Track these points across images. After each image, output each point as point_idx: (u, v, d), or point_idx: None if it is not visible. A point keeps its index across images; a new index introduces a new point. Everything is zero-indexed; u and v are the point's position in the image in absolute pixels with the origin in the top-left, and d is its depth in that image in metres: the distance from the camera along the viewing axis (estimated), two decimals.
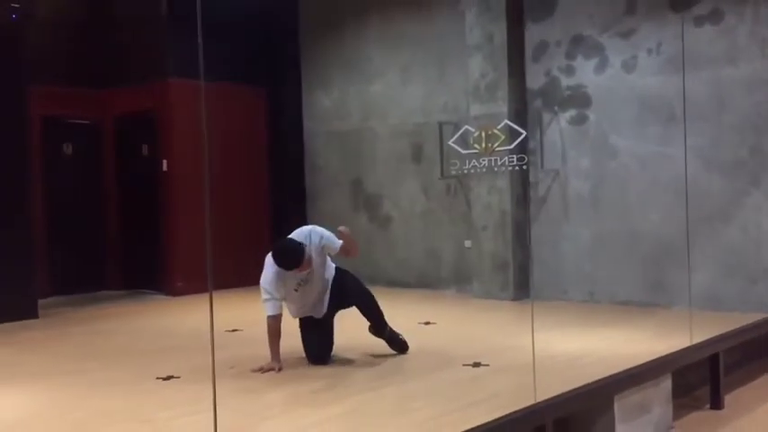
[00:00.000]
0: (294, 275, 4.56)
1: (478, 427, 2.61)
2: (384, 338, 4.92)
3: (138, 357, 5.20)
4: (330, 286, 4.81)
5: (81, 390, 4.30)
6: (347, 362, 4.81)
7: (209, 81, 9.38)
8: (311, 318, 4.81)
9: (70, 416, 3.79)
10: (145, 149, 8.74)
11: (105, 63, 8.79)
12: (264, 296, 4.56)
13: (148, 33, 8.66)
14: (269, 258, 4.60)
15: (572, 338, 5.30)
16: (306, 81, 9.48)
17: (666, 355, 3.52)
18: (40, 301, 7.43)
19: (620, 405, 3.11)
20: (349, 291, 4.84)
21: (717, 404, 3.76)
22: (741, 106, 6.31)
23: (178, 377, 4.48)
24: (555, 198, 7.45)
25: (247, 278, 8.79)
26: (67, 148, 8.87)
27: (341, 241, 4.69)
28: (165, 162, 8.40)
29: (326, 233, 4.73)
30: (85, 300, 8.25)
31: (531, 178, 7.56)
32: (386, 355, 4.88)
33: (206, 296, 8.25)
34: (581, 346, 4.87)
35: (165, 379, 4.45)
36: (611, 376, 3.20)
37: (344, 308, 4.90)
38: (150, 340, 5.87)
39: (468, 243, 8.01)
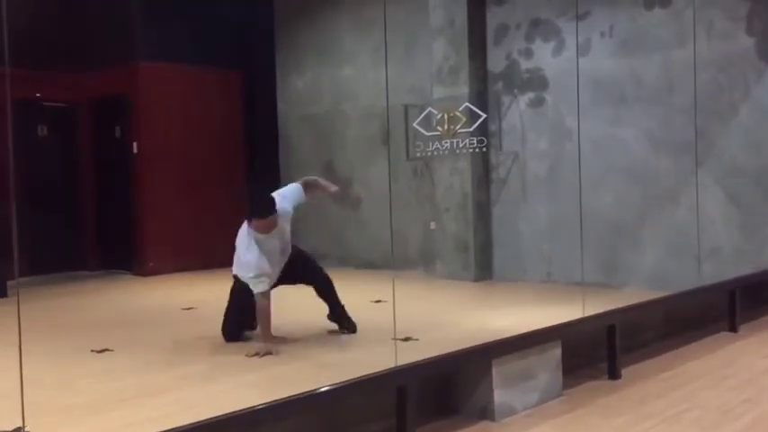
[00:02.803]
0: (266, 237, 4.48)
1: (337, 384, 2.73)
2: (338, 320, 4.93)
3: (82, 331, 5.37)
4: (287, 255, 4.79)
5: (15, 360, 4.45)
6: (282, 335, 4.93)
7: (186, 64, 9.49)
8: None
9: None
10: (117, 132, 8.89)
11: (80, 46, 8.92)
12: (254, 272, 4.44)
13: (121, 16, 8.79)
14: (243, 230, 4.54)
15: (510, 316, 5.41)
16: (280, 65, 9.59)
17: (554, 325, 3.62)
18: (15, 281, 7.61)
19: (499, 371, 3.20)
20: (308, 268, 4.90)
21: (613, 374, 3.85)
22: (689, 88, 6.36)
23: (112, 350, 4.63)
24: (515, 180, 7.54)
25: (220, 260, 9.01)
26: (42, 131, 9.02)
27: (299, 186, 4.79)
28: (135, 144, 8.55)
29: (284, 191, 4.76)
30: (59, 279, 8.43)
31: (492, 160, 7.66)
32: (322, 331, 4.98)
33: (174, 276, 8.44)
34: (512, 323, 4.95)
35: (99, 352, 4.60)
36: (485, 343, 3.30)
37: (297, 282, 4.90)
38: (101, 315, 6.05)
39: (433, 224, 8.11)
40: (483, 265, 7.65)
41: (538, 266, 7.38)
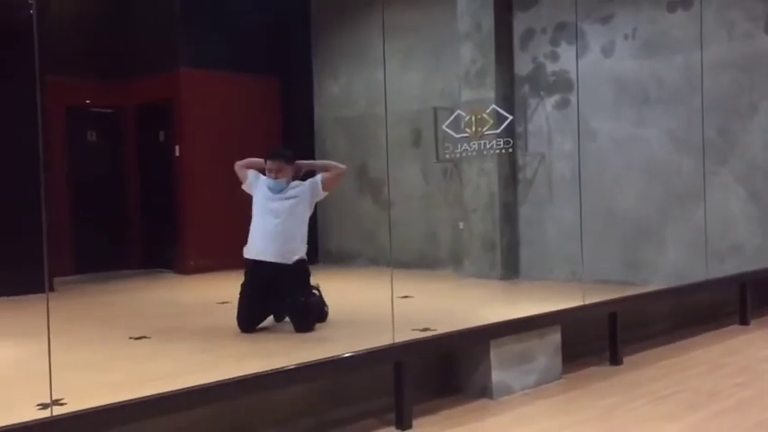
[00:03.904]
0: (269, 182, 5.02)
1: (338, 356, 2.95)
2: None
3: (121, 321, 5.72)
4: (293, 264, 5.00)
5: (59, 346, 4.79)
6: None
7: (225, 71, 9.86)
8: (257, 277, 5.00)
9: (38, 365, 4.27)
10: (161, 136, 9.31)
11: (126, 55, 9.38)
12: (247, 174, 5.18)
13: (164, 26, 9.22)
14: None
15: (530, 311, 5.56)
16: (316, 69, 9.90)
17: (553, 311, 3.79)
18: (62, 279, 8.08)
19: (497, 353, 3.40)
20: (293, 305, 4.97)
21: (615, 360, 4.00)
22: (710, 89, 6.45)
23: (149, 337, 4.95)
24: (541, 180, 7.70)
25: None
26: (91, 136, 9.49)
27: (320, 176, 5.17)
28: (177, 147, 8.94)
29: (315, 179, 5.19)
30: (104, 278, 8.86)
31: (519, 161, 7.83)
32: (348, 322, 5.22)
33: (215, 274, 8.82)
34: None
35: (136, 338, 4.92)
36: (483, 325, 3.50)
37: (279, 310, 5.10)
38: (142, 308, 6.40)
39: (461, 224, 8.31)
40: (509, 264, 7.82)
41: (563, 265, 7.51)
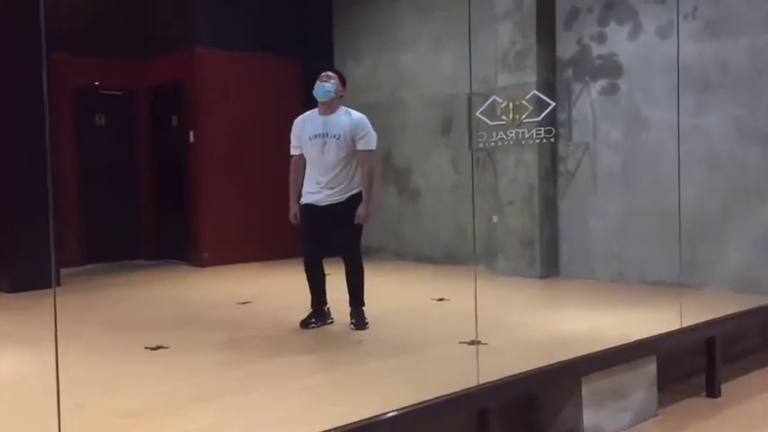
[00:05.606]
0: (315, 121, 4.95)
1: (409, 408, 2.42)
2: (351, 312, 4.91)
3: (136, 326, 5.19)
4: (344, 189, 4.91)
5: (68, 357, 4.27)
6: (341, 334, 4.71)
7: (242, 51, 9.29)
8: (312, 215, 4.90)
9: (44, 382, 3.75)
10: (174, 120, 8.75)
11: (137, 34, 8.80)
12: (292, 143, 5.11)
13: (177, 3, 8.64)
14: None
15: (581, 319, 5.03)
16: (338, 51, 9.33)
17: (648, 338, 3.25)
18: (70, 270, 7.58)
19: (589, 389, 2.87)
20: (344, 237, 4.94)
21: (712, 392, 3.47)
22: None
23: (167, 347, 4.44)
24: (584, 172, 7.13)
25: (275, 252, 8.74)
26: (100, 119, 8.94)
27: (373, 149, 4.96)
28: (191, 133, 8.38)
29: (372, 133, 4.99)
30: (114, 268, 8.35)
31: (561, 152, 7.26)
32: (385, 330, 4.76)
33: (230, 267, 8.27)
34: (585, 327, 4.59)
35: (153, 349, 4.41)
36: (572, 359, 2.96)
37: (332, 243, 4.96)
38: (156, 309, 5.87)
39: (495, 218, 7.76)
40: (549, 261, 7.27)
41: (608, 264, 6.96)
